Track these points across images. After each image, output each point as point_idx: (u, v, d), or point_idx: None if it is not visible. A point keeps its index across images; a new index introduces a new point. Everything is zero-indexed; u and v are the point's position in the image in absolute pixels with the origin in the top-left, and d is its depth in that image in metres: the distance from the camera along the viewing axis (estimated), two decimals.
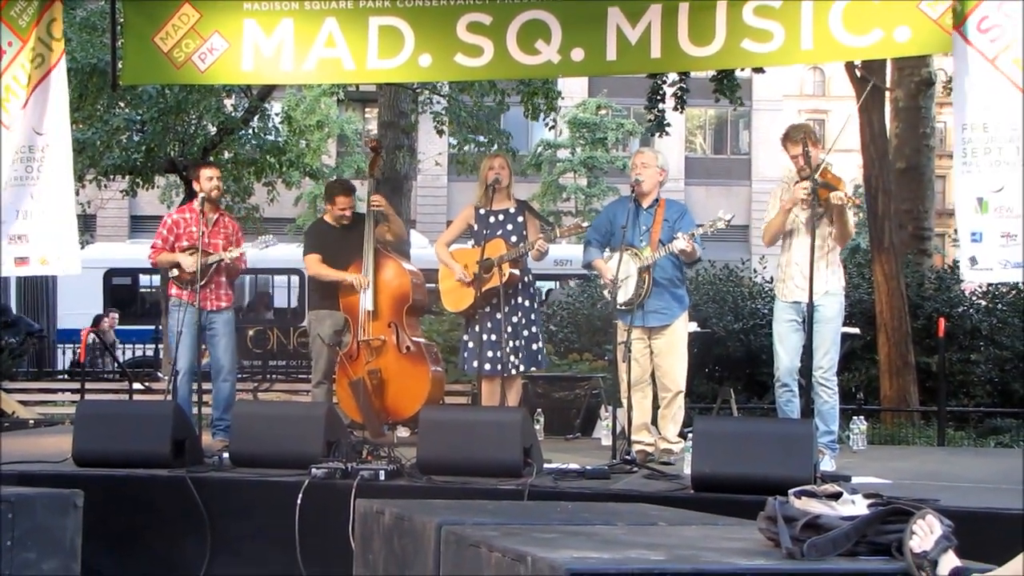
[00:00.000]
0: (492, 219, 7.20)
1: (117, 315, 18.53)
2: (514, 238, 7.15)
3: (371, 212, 7.63)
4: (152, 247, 7.73)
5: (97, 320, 17.53)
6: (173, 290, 7.62)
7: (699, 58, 6.88)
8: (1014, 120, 5.66)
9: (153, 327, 17.16)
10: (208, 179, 7.57)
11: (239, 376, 8.28)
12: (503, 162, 7.32)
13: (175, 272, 7.54)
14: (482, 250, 6.97)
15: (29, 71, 7.08)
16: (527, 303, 7.19)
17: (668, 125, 13.18)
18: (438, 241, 7.58)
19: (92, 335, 15.73)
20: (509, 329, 6.97)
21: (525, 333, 7.14)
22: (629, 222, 6.66)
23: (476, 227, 7.28)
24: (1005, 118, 5.71)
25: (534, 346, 7.20)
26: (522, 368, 7.18)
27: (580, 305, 13.04)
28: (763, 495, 3.42)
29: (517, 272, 7.08)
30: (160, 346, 16.01)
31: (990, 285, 11.94)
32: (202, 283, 7.30)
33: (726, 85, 12.61)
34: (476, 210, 7.29)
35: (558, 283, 17.84)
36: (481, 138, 16.13)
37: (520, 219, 7.24)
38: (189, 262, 7.41)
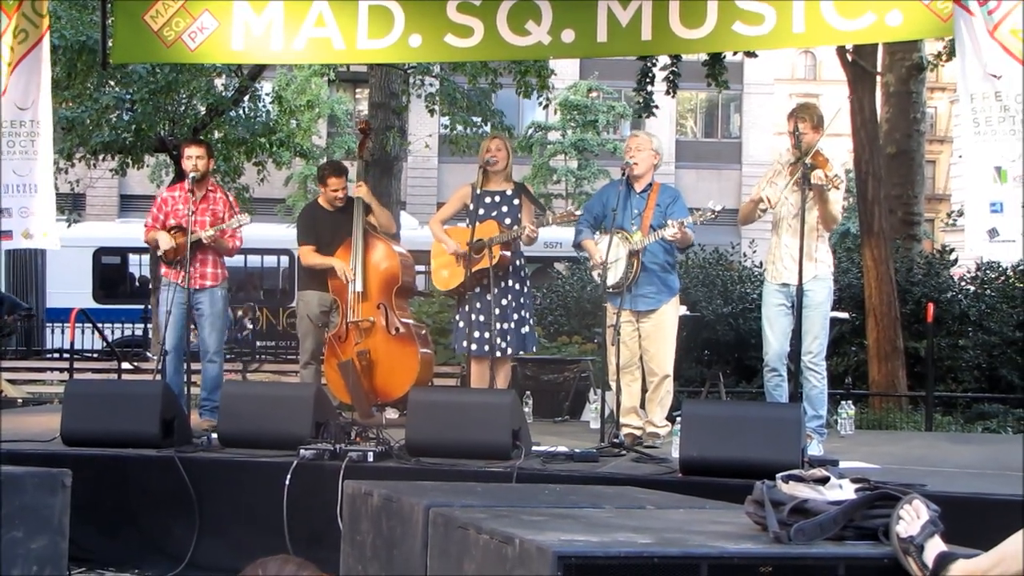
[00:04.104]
0: (488, 199, 7.16)
1: None
2: (508, 220, 7.11)
3: (359, 198, 7.62)
4: (144, 226, 7.69)
5: None
6: (163, 269, 7.60)
7: (690, 41, 6.89)
8: (1017, 91, 5.58)
9: (142, 307, 17.13)
10: (187, 158, 7.46)
11: (227, 357, 8.21)
12: (500, 144, 7.27)
13: (160, 251, 7.50)
14: (472, 230, 6.95)
15: (12, 46, 7.04)
16: (517, 286, 7.17)
17: (656, 107, 13.05)
18: (433, 218, 7.56)
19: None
20: (497, 311, 6.95)
21: (515, 316, 7.12)
22: (620, 205, 6.66)
23: (472, 207, 7.25)
24: (1012, 88, 5.62)
25: (523, 330, 7.18)
26: (509, 351, 7.16)
27: (570, 288, 13.03)
28: (751, 479, 3.43)
29: (508, 255, 7.05)
30: (149, 326, 15.98)
31: (979, 271, 11.98)
32: (182, 260, 7.26)
33: (716, 69, 12.57)
34: (473, 189, 7.25)
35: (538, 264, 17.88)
36: (476, 119, 16.08)
37: (516, 202, 7.19)
38: (165, 239, 7.38)
